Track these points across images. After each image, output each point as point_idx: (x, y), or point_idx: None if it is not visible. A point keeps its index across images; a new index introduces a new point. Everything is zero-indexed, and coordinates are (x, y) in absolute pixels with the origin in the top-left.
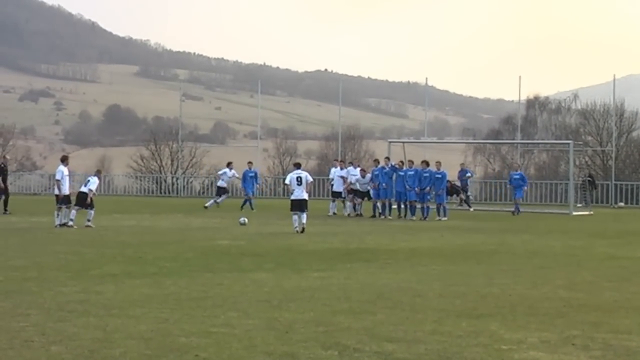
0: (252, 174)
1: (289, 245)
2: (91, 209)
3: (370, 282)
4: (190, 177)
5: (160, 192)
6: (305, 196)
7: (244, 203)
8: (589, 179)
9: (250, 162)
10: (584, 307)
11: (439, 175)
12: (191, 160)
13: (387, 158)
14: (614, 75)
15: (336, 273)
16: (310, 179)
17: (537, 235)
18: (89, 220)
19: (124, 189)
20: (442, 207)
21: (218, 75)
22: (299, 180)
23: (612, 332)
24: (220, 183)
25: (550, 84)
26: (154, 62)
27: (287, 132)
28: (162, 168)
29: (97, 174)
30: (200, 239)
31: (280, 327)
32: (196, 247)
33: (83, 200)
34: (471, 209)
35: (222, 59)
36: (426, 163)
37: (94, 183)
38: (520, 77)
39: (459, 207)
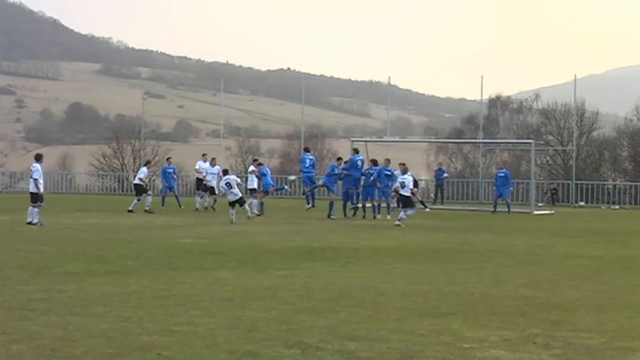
0: (171, 170)
1: (252, 243)
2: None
3: (332, 281)
4: (153, 176)
5: (123, 191)
6: (240, 195)
7: (178, 200)
8: (553, 192)
9: (169, 158)
10: (545, 306)
11: (388, 172)
12: (153, 158)
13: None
14: (575, 75)
15: (299, 272)
16: (238, 180)
17: (499, 234)
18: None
19: (85, 187)
20: (387, 204)
21: (181, 74)
22: (229, 185)
23: (573, 330)
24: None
25: (512, 84)
26: (116, 60)
27: (250, 131)
28: (124, 166)
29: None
30: (162, 237)
31: (242, 326)
32: (158, 245)
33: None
34: (427, 209)
35: (185, 57)
36: (387, 161)
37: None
38: (482, 76)
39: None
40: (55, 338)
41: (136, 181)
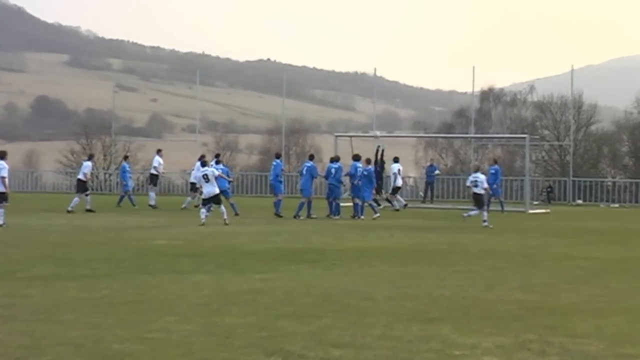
0: (129, 169)
1: (230, 245)
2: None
3: (316, 284)
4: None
5: (92, 189)
6: (217, 191)
7: (121, 199)
8: (549, 189)
9: (126, 156)
10: (540, 310)
11: (366, 173)
12: (126, 157)
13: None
14: (572, 66)
15: (280, 275)
16: (217, 173)
17: (492, 235)
18: None
19: (53, 185)
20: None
21: (154, 65)
22: (206, 178)
23: (570, 336)
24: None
25: (505, 75)
26: (85, 51)
27: (228, 126)
28: (94, 164)
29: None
30: (135, 239)
31: (220, 332)
32: (131, 247)
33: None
34: (400, 208)
35: (158, 47)
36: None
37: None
38: (473, 67)
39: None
40: (20, 346)
41: (79, 176)
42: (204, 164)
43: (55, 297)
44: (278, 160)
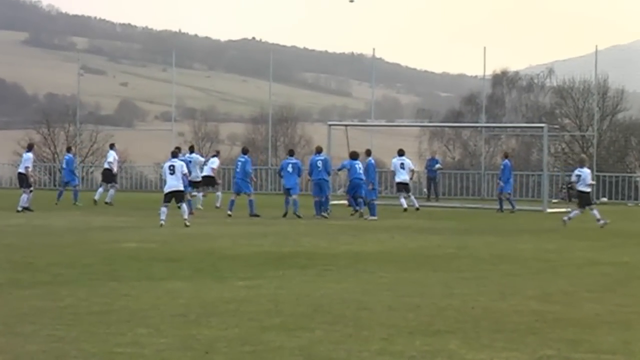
0: (71, 161)
1: (210, 248)
2: None
3: (306, 293)
4: (91, 167)
5: (54, 185)
6: (181, 187)
7: (60, 195)
8: (569, 185)
9: (69, 147)
10: (559, 322)
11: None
12: (92, 146)
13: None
14: (596, 47)
15: (266, 282)
16: (185, 170)
17: (505, 237)
18: None
19: (9, 180)
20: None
21: (124, 45)
22: (172, 169)
23: (593, 351)
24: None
25: (521, 57)
26: (46, 28)
27: (207, 113)
28: (56, 156)
29: None
30: (102, 241)
31: (198, 347)
32: (98, 250)
33: None
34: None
35: (129, 24)
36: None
37: None
38: (485, 48)
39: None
40: None
41: (21, 169)
42: (174, 155)
43: (12, 307)
44: (246, 156)
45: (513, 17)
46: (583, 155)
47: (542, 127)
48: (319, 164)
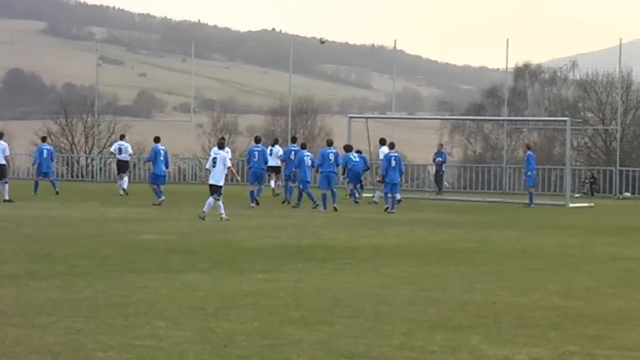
0: (46, 151)
1: (228, 240)
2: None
3: (325, 286)
4: (109, 158)
5: (72, 176)
6: (220, 182)
7: (36, 186)
8: (592, 179)
9: (45, 137)
10: (582, 318)
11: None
12: (109, 137)
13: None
14: (620, 40)
15: (285, 275)
16: (229, 162)
17: (527, 231)
18: None
19: (27, 171)
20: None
21: (143, 35)
22: (214, 161)
23: (616, 347)
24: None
25: (543, 50)
26: (64, 18)
27: (226, 105)
28: (74, 147)
29: None
30: (120, 233)
31: (217, 340)
32: (115, 242)
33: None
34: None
35: (148, 14)
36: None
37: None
38: (507, 40)
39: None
40: None
41: (1, 161)
42: (220, 146)
43: (29, 298)
44: (262, 145)
45: (536, 9)
46: None
47: (565, 121)
48: (331, 156)
